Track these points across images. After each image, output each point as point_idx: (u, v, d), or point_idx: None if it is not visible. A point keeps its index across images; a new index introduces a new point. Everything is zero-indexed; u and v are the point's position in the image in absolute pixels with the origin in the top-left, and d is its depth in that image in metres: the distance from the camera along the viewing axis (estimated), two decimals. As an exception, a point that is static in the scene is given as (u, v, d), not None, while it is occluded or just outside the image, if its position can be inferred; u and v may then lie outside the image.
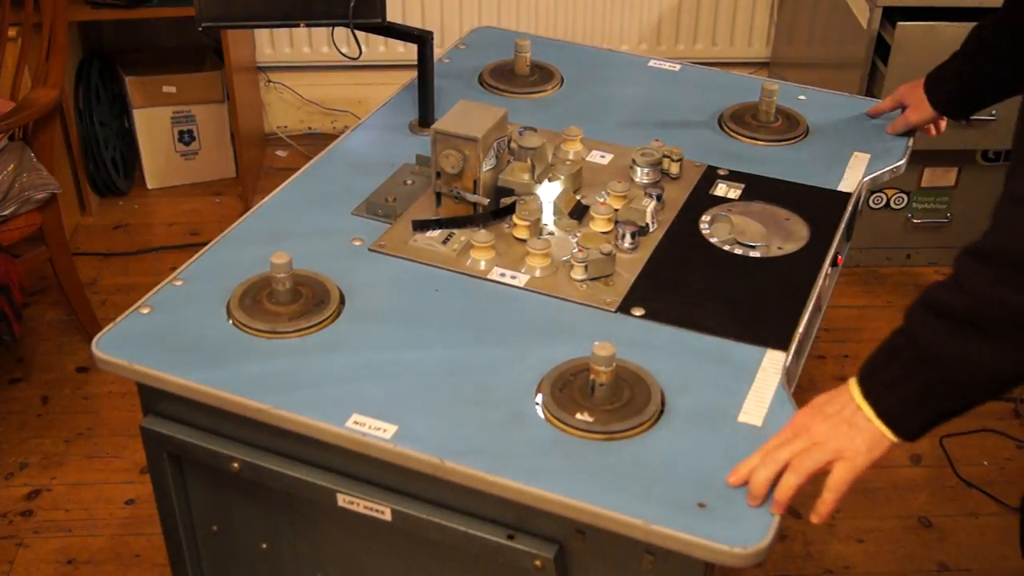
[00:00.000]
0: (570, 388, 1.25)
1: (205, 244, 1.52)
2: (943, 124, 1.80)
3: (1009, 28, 1.59)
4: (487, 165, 1.50)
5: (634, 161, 1.63)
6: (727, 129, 1.80)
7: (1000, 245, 1.06)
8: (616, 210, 1.53)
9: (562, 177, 1.57)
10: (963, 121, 1.77)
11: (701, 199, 1.61)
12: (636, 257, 1.48)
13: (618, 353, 1.22)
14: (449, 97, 1.84)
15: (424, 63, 1.78)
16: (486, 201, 1.52)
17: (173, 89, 3.25)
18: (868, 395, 1.13)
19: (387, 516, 1.25)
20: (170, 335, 1.34)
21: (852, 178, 1.68)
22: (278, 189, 1.64)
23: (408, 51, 2.47)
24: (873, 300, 2.88)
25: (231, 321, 1.36)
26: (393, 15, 1.81)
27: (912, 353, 1.10)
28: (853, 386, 1.15)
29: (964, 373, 1.07)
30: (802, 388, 1.42)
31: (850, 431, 1.13)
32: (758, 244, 1.51)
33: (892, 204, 2.91)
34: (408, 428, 1.21)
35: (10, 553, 2.20)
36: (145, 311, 1.38)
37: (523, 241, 1.49)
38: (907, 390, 1.11)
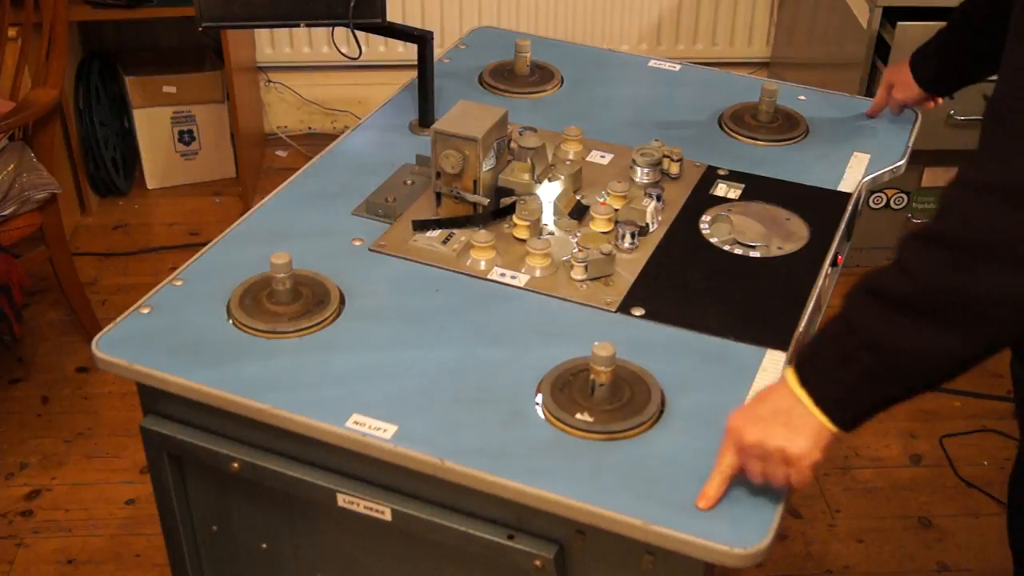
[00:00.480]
0: (570, 388, 1.25)
1: (205, 244, 1.52)
2: (940, 99, 1.80)
3: (992, 3, 1.57)
4: (487, 165, 1.50)
5: (634, 161, 1.63)
6: (727, 129, 1.80)
7: (947, 229, 1.03)
8: (616, 210, 1.53)
9: (562, 177, 1.57)
10: (948, 97, 1.77)
11: (701, 199, 1.61)
12: (636, 257, 1.48)
13: (618, 353, 1.22)
14: (449, 97, 1.84)
15: (424, 63, 1.78)
16: (486, 201, 1.52)
17: (173, 89, 3.25)
18: (805, 382, 1.10)
19: (387, 516, 1.25)
20: (170, 335, 1.34)
21: (852, 178, 1.68)
22: (278, 189, 1.64)
23: (408, 51, 2.47)
24: (873, 300, 2.87)
25: (231, 321, 1.37)
26: (393, 15, 1.81)
27: (852, 339, 1.07)
28: (789, 374, 1.12)
29: (904, 359, 1.05)
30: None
31: (787, 432, 1.09)
32: (758, 244, 1.51)
33: (892, 204, 2.91)
34: (408, 428, 1.21)
35: (10, 553, 2.20)
36: (145, 311, 1.38)
37: (523, 241, 1.49)
38: (846, 377, 1.07)
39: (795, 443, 1.09)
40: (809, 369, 1.10)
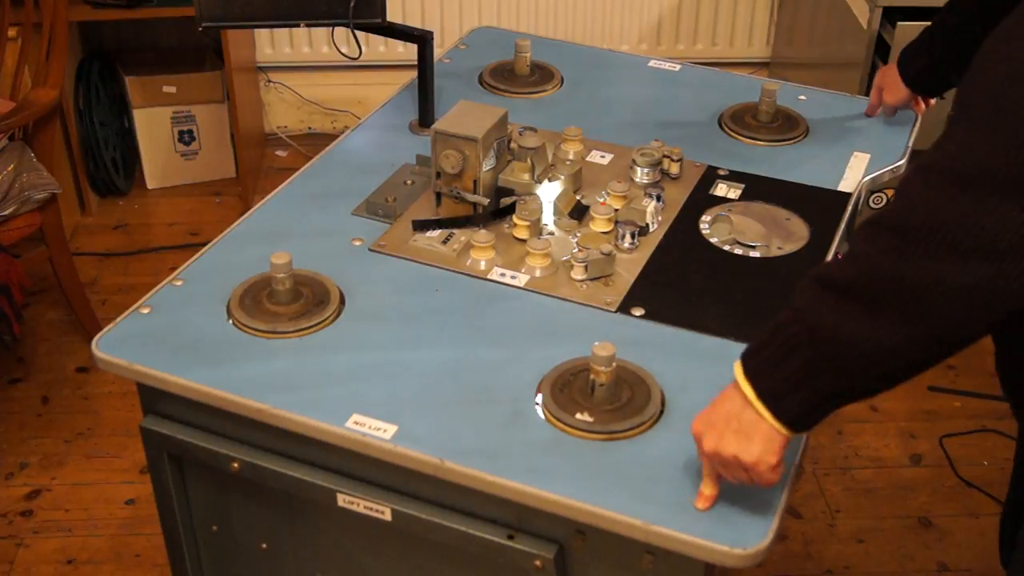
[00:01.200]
0: (570, 388, 1.25)
1: (205, 244, 1.52)
2: (931, 100, 1.79)
3: (981, 3, 1.56)
4: (487, 165, 1.50)
5: (634, 161, 1.63)
6: (727, 129, 1.80)
7: (896, 212, 0.98)
8: (616, 210, 1.53)
9: (562, 177, 1.57)
10: (938, 98, 1.76)
11: (701, 199, 1.61)
12: (636, 257, 1.48)
13: (618, 353, 1.22)
14: (449, 97, 1.84)
15: (424, 63, 1.78)
16: (486, 201, 1.52)
17: (173, 89, 3.25)
18: (749, 374, 1.06)
19: (387, 516, 1.25)
20: (170, 335, 1.34)
21: (852, 178, 1.68)
22: (278, 189, 1.64)
23: (408, 51, 2.47)
24: (873, 300, 2.87)
25: (231, 321, 1.37)
26: (393, 15, 1.81)
27: (795, 328, 1.02)
28: (737, 366, 1.07)
29: (845, 350, 0.99)
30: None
31: (739, 439, 1.07)
32: (758, 244, 1.51)
33: (892, 204, 2.90)
34: (408, 428, 1.21)
35: (10, 553, 2.20)
36: (145, 311, 1.38)
37: (523, 241, 1.49)
38: (788, 368, 1.02)
39: (748, 451, 1.07)
40: (754, 360, 1.06)
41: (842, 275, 1.00)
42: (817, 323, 1.01)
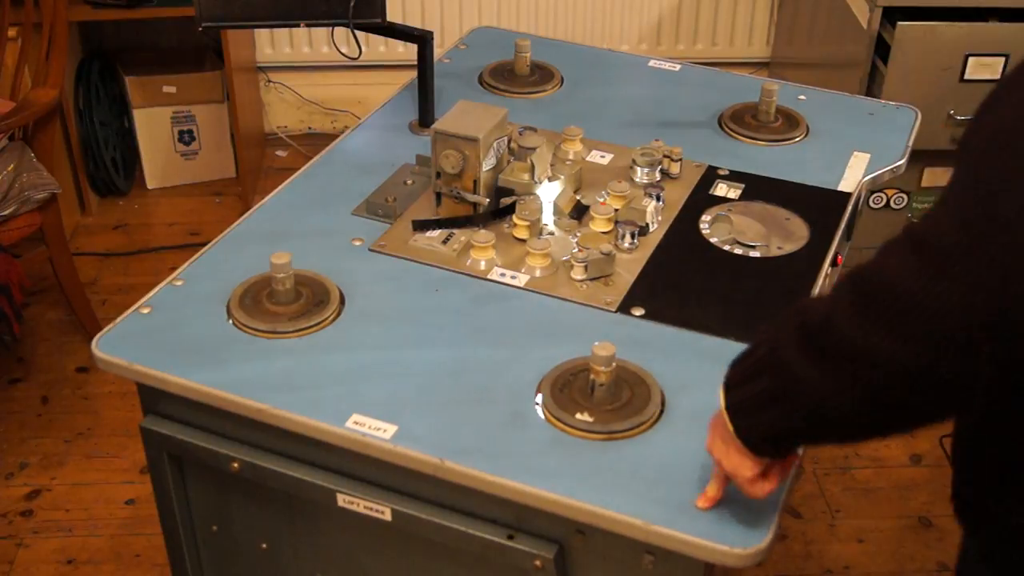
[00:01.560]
0: (570, 388, 1.25)
1: (205, 244, 1.52)
2: None
3: None
4: (487, 165, 1.50)
5: (634, 161, 1.63)
6: (727, 129, 1.80)
7: (866, 272, 0.95)
8: (616, 210, 1.53)
9: (562, 177, 1.57)
10: None
11: (701, 199, 1.61)
12: (636, 257, 1.48)
13: (618, 353, 1.22)
14: (449, 97, 1.84)
15: (424, 63, 1.78)
16: (486, 201, 1.52)
17: (173, 89, 3.25)
18: (726, 383, 1.06)
19: (387, 516, 1.25)
20: (170, 335, 1.34)
21: (852, 178, 1.68)
22: (278, 189, 1.64)
23: (408, 51, 2.47)
24: (873, 300, 2.87)
25: (231, 321, 1.37)
26: (393, 15, 1.81)
27: (765, 351, 1.02)
28: (727, 372, 1.07)
29: (792, 388, 0.98)
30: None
31: (724, 447, 1.07)
32: (758, 244, 1.51)
33: (892, 204, 2.90)
34: (408, 428, 1.21)
35: (10, 553, 2.20)
36: (145, 311, 1.38)
37: (523, 241, 1.49)
38: (752, 388, 1.02)
39: (727, 459, 1.08)
40: (732, 370, 1.07)
41: (812, 316, 0.98)
42: (781, 354, 1.00)
